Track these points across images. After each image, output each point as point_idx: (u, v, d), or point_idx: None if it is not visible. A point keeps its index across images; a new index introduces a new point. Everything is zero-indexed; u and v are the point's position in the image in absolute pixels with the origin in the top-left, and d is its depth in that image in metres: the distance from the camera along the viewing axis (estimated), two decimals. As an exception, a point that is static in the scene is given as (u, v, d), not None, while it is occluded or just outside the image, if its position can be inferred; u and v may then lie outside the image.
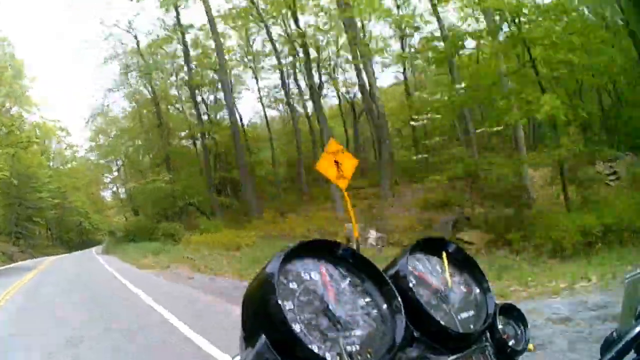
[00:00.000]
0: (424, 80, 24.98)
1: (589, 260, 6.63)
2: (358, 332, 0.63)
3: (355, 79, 20.42)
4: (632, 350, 0.61)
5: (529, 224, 8.98)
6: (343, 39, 20.89)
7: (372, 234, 11.51)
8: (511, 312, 0.81)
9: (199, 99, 26.63)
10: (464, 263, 0.83)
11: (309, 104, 24.09)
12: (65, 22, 65.30)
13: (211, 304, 7.34)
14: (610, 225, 7.48)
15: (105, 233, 57.97)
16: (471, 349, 0.73)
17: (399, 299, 0.67)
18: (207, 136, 25.77)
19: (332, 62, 24.46)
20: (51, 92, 71.04)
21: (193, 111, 26.99)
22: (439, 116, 13.41)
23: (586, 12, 11.40)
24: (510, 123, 10.46)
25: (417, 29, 17.89)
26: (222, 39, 22.11)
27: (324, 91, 24.48)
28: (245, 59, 26.13)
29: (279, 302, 0.56)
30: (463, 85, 12.01)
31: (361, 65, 17.44)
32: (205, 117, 26.88)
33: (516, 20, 9.72)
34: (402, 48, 22.32)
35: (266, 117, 28.96)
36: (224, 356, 4.24)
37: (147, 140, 30.77)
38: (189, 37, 23.95)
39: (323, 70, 24.16)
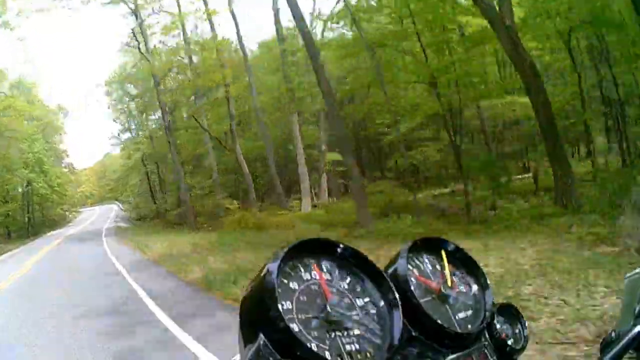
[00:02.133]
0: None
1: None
2: (357, 332, 0.63)
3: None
4: (632, 350, 0.62)
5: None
6: None
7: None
8: (510, 311, 0.82)
9: None
10: (462, 262, 0.83)
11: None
12: None
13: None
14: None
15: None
16: (470, 348, 0.73)
17: (398, 298, 0.67)
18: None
19: None
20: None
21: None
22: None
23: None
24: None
25: None
26: None
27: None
28: None
29: (278, 301, 0.56)
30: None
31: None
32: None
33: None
34: None
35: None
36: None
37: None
38: None
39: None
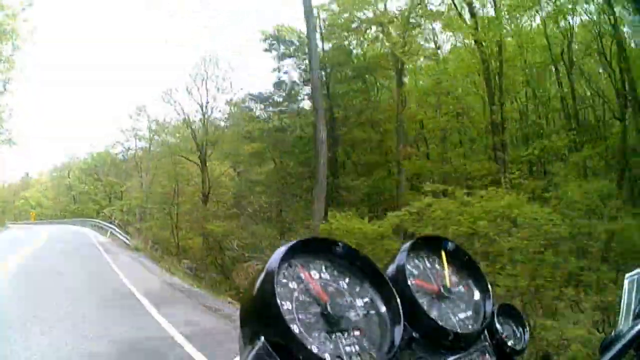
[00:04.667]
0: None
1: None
2: (357, 333, 0.62)
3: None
4: (632, 350, 0.62)
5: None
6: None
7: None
8: (510, 312, 0.82)
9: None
10: (463, 262, 0.83)
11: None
12: None
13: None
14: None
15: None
16: (470, 349, 0.73)
17: (398, 299, 0.67)
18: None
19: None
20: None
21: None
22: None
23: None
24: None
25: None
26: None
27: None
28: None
29: (278, 302, 0.55)
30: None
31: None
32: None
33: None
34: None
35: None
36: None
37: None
38: None
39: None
